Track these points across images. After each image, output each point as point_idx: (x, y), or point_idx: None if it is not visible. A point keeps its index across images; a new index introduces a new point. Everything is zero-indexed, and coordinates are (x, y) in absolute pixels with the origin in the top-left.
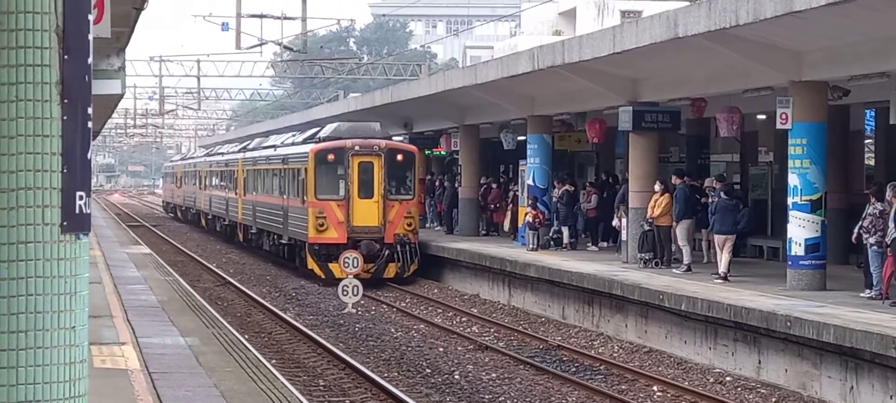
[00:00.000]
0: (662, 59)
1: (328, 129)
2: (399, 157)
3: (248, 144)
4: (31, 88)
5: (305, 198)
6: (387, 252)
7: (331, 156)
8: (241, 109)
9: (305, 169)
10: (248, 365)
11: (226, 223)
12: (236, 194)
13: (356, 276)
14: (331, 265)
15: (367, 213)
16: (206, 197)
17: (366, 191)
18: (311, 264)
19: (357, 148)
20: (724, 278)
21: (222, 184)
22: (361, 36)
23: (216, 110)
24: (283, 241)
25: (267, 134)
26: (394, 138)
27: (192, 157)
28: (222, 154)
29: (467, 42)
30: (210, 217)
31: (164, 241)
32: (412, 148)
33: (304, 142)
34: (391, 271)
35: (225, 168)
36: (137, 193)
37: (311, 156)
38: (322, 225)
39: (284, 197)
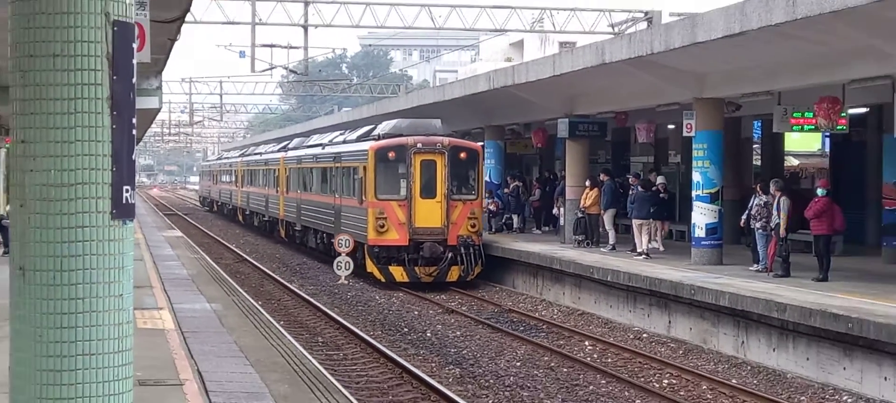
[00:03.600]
0: (592, 80)
1: (386, 126)
2: (462, 155)
3: (288, 144)
4: (87, 103)
5: (364, 197)
6: (450, 254)
7: (392, 154)
8: (255, 121)
9: (364, 167)
10: (261, 326)
11: (265, 219)
12: (278, 191)
13: (419, 280)
14: (392, 268)
15: (429, 214)
16: (244, 193)
17: (428, 190)
18: (371, 267)
19: (419, 145)
20: (646, 255)
21: (262, 181)
22: (352, 61)
23: (235, 121)
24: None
25: (307, 133)
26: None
27: (229, 157)
28: (260, 153)
29: (437, 67)
30: (248, 212)
31: (194, 227)
32: (476, 145)
33: (359, 139)
34: (454, 274)
35: (265, 166)
36: (172, 188)
37: (370, 153)
38: (383, 226)
39: (336, 195)
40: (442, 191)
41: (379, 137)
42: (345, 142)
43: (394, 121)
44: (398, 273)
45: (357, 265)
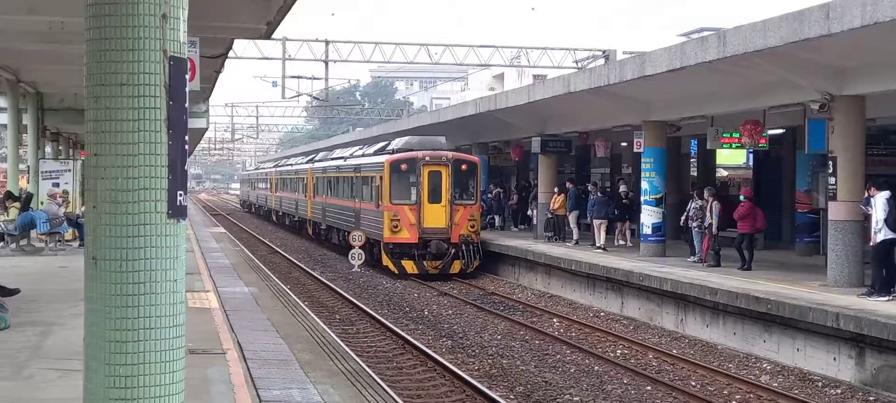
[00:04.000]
0: (560, 105)
1: (399, 142)
2: (464, 167)
3: (314, 157)
4: (148, 123)
5: (380, 202)
6: (453, 250)
7: (404, 166)
8: (285, 138)
9: (380, 176)
10: (289, 305)
11: (295, 219)
12: (306, 196)
13: (426, 272)
14: (403, 262)
15: (436, 216)
16: (277, 197)
17: (435, 196)
18: (386, 261)
19: (427, 158)
20: (604, 249)
21: (292, 187)
22: (364, 90)
23: (268, 138)
24: None
25: (330, 148)
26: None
27: (264, 167)
28: (291, 164)
29: (433, 94)
30: (280, 213)
31: (234, 225)
32: (475, 158)
33: (376, 153)
34: (456, 267)
35: (295, 175)
36: (217, 193)
37: (386, 165)
38: (396, 226)
39: (356, 200)
40: (446, 197)
41: (393, 151)
42: (364, 155)
43: (406, 138)
44: (409, 266)
45: (372, 259)
